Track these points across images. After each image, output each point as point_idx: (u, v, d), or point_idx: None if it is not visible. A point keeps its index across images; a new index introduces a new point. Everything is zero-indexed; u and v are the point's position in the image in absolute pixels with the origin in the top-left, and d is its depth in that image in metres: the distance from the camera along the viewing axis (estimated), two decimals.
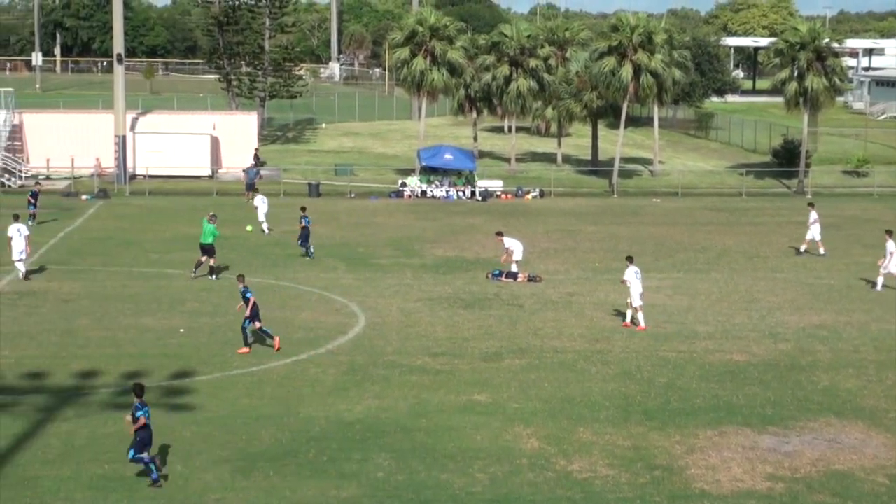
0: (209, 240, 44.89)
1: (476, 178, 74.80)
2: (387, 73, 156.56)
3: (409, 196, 72.82)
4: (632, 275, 37.51)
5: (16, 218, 44.94)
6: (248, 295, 33.83)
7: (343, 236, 56.23)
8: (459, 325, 37.48)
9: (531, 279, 44.98)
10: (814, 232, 51.69)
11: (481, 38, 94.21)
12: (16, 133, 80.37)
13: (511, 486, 23.64)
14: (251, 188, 69.25)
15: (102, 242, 53.02)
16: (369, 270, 47.25)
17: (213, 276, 44.60)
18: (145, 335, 35.33)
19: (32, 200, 57.96)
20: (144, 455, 23.02)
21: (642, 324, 37.57)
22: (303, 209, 51.71)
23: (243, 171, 73.17)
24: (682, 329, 37.41)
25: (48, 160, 78.58)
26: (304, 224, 49.85)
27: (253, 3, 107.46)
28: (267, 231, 56.43)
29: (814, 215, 51.94)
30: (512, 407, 28.87)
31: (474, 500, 22.93)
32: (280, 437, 26.09)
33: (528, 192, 74.40)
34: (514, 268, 45.34)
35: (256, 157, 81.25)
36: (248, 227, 56.49)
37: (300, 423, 27.10)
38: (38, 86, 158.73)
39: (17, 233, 43.55)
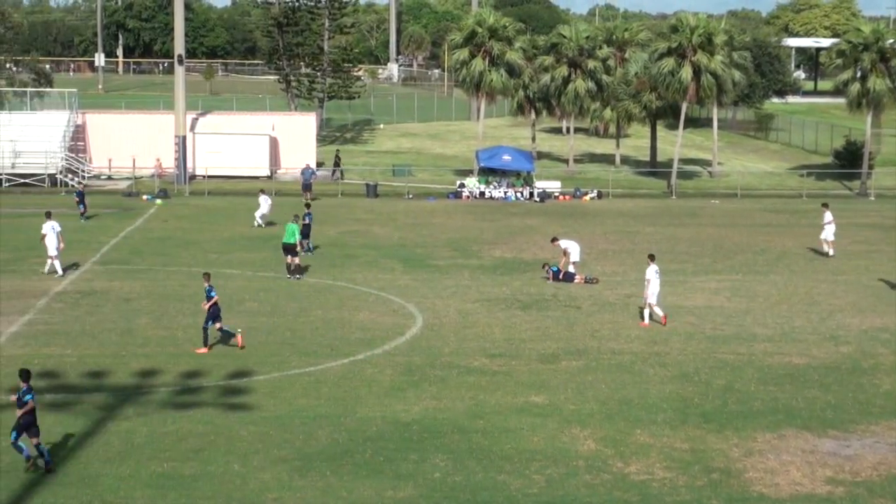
0: (292, 239, 45.17)
1: (534, 179, 74.67)
2: (445, 73, 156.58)
3: (468, 197, 72.79)
4: (652, 273, 37.85)
5: (48, 216, 45.57)
6: (212, 294, 33.91)
7: (401, 237, 56.31)
8: (517, 327, 37.42)
9: (588, 281, 44.82)
10: (828, 232, 51.36)
11: (540, 39, 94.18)
12: (79, 133, 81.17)
13: (567, 488, 23.56)
14: (307, 189, 69.63)
15: (162, 242, 53.39)
16: (427, 271, 47.28)
17: (296, 277, 44.90)
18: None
19: (79, 200, 59.44)
20: (22, 444, 23.47)
21: (646, 321, 37.90)
22: (307, 206, 52.50)
23: (301, 172, 73.39)
24: (740, 331, 37.14)
25: (110, 160, 79.30)
26: (306, 221, 49.91)
27: (312, 4, 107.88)
28: (257, 225, 57.41)
29: (828, 216, 51.57)
30: (569, 408, 28.78)
31: (531, 502, 22.86)
32: (337, 437, 26.14)
33: (586, 194, 74.16)
34: (571, 269, 45.22)
35: (337, 158, 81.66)
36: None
37: (357, 424, 27.15)
38: (100, 86, 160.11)
39: (51, 230, 44.47)
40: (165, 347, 33.85)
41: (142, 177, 76.20)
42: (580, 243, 46.68)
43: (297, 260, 45.39)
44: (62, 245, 44.79)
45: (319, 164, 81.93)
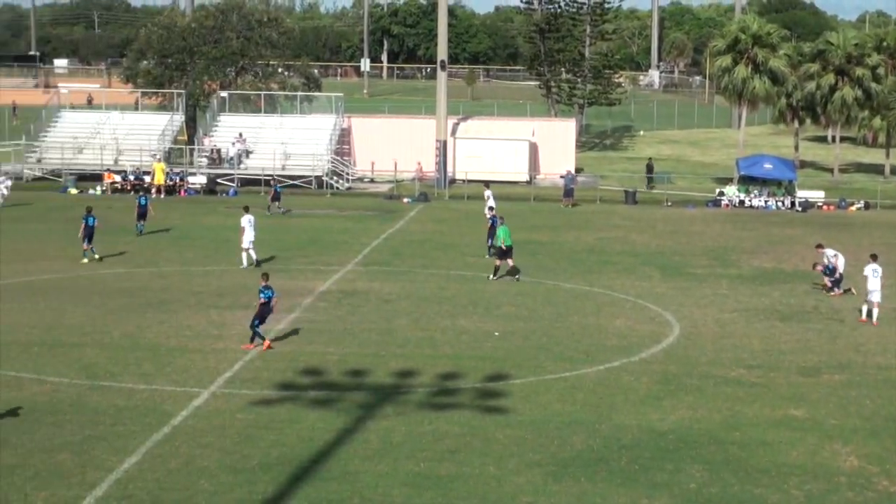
0: (510, 241, 45.54)
1: (796, 189, 73.02)
2: (707, 80, 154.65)
3: (727, 205, 71.73)
4: (870, 272, 38.58)
5: (246, 209, 48.06)
6: (263, 296, 33.69)
7: (658, 244, 55.87)
8: (776, 338, 36.66)
9: (845, 292, 43.58)
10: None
11: (805, 45, 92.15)
12: (344, 137, 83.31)
13: None
14: (569, 194, 69.82)
15: (421, 245, 54.31)
16: (684, 279, 46.79)
17: (499, 277, 45.44)
18: (461, 337, 35.97)
19: (274, 197, 63.06)
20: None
21: (863, 316, 38.91)
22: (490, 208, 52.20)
23: (560, 176, 73.65)
24: None
25: (373, 163, 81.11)
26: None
27: (574, 10, 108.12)
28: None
29: None
30: (830, 423, 28.02)
31: None
32: (591, 444, 26.11)
33: (852, 204, 72.08)
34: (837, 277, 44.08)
35: (650, 165, 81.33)
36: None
37: (612, 431, 27.06)
38: (365, 91, 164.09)
39: (248, 223, 46.66)
40: (423, 349, 34.40)
41: (403, 180, 77.67)
42: (844, 255, 45.37)
43: (501, 262, 45.59)
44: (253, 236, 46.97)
45: (579, 170, 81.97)
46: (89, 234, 47.31)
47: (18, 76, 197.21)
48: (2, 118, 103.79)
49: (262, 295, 33.77)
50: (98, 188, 73.53)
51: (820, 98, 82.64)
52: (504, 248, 45.49)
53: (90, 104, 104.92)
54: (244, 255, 46.98)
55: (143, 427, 26.27)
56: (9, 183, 67.45)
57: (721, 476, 24.24)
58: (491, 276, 45.30)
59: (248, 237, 46.78)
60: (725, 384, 31.26)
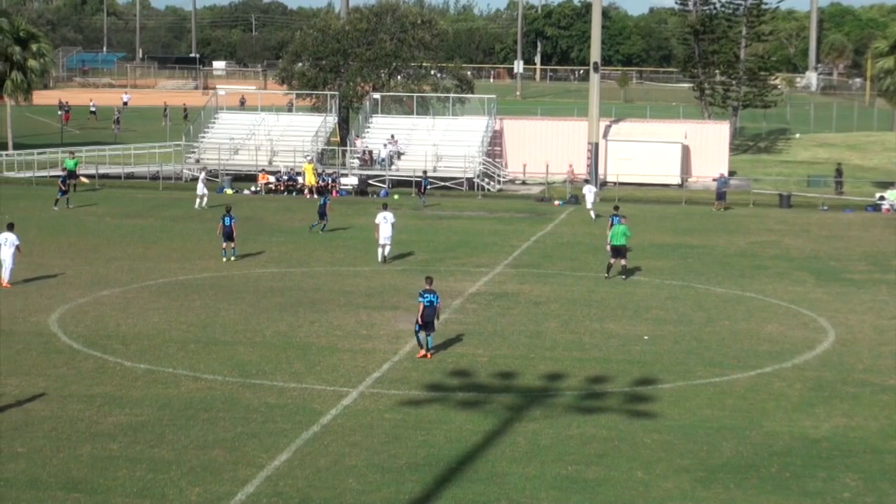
0: (622, 241, 45.40)
1: None
2: (867, 83, 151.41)
3: (888, 210, 70.11)
4: None
5: (384, 207, 49.32)
6: (421, 299, 32.69)
7: (813, 249, 54.85)
8: None
9: None
10: None
11: None
12: (496, 139, 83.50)
13: None
14: (721, 197, 69.04)
15: (571, 247, 54.15)
16: (840, 285, 45.84)
17: (624, 277, 45.34)
18: (610, 340, 35.75)
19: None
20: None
21: None
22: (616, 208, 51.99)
23: (715, 180, 72.84)
24: None
25: (524, 165, 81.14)
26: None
27: (730, 11, 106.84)
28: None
29: None
30: None
31: None
32: (741, 450, 25.71)
33: None
34: None
35: (839, 170, 79.64)
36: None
37: (763, 437, 26.61)
38: (518, 93, 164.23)
39: (384, 220, 47.90)
40: (572, 352, 34.26)
41: (554, 182, 77.52)
42: None
43: (623, 262, 45.47)
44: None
45: (731, 173, 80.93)
46: (228, 234, 48.07)
47: (180, 78, 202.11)
48: (164, 118, 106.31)
49: (420, 299, 32.97)
50: (252, 188, 74.82)
51: None
52: (611, 246, 45.70)
53: (242, 106, 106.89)
54: (379, 250, 48.10)
55: (294, 425, 26.60)
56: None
57: (877, 486, 23.67)
58: (605, 275, 45.72)
59: (384, 233, 47.83)
60: (883, 392, 30.53)
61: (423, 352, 32.86)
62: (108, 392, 29.06)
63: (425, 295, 32.71)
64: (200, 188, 66.49)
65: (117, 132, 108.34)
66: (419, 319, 32.77)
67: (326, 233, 55.96)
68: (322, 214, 56.25)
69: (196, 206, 65.02)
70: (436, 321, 33.06)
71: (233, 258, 48.07)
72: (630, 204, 70.24)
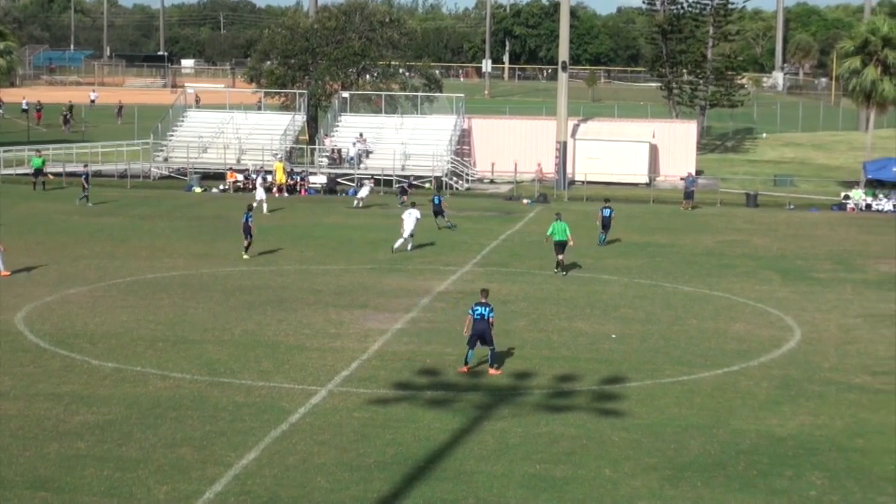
0: (563, 237, 46.39)
1: None
2: (833, 83, 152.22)
3: (853, 209, 70.54)
4: None
5: (413, 205, 53.84)
6: (469, 311, 31.67)
7: (780, 248, 55.13)
8: None
9: None
10: None
11: None
12: (464, 137, 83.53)
13: None
14: (689, 197, 69.29)
15: (540, 246, 54.13)
16: (806, 284, 46.10)
17: (564, 273, 46.53)
18: (578, 339, 35.84)
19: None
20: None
21: None
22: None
23: (681, 178, 73.15)
24: None
25: (493, 164, 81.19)
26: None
27: (697, 11, 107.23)
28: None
29: None
30: None
31: None
32: (709, 448, 25.84)
33: None
34: None
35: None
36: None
37: (730, 435, 26.75)
38: (486, 92, 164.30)
39: (409, 215, 51.66)
40: (540, 350, 34.33)
41: (522, 181, 77.62)
42: None
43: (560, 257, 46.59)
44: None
45: (699, 172, 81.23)
46: (247, 231, 48.28)
47: (148, 76, 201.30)
48: (131, 118, 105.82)
49: (470, 311, 31.69)
50: (220, 186, 74.61)
51: None
52: (554, 242, 46.67)
53: (197, 104, 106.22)
54: (405, 240, 51.29)
55: (262, 423, 26.59)
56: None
57: (843, 484, 23.84)
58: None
59: (408, 227, 51.15)
60: (849, 390, 30.74)
61: (465, 367, 31.57)
62: (76, 391, 28.97)
63: (476, 308, 31.52)
64: (260, 193, 64.79)
65: (66, 131, 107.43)
66: (466, 331, 31.63)
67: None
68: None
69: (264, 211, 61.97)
70: (493, 335, 31.66)
71: (245, 257, 48.38)
72: (597, 203, 70.28)
